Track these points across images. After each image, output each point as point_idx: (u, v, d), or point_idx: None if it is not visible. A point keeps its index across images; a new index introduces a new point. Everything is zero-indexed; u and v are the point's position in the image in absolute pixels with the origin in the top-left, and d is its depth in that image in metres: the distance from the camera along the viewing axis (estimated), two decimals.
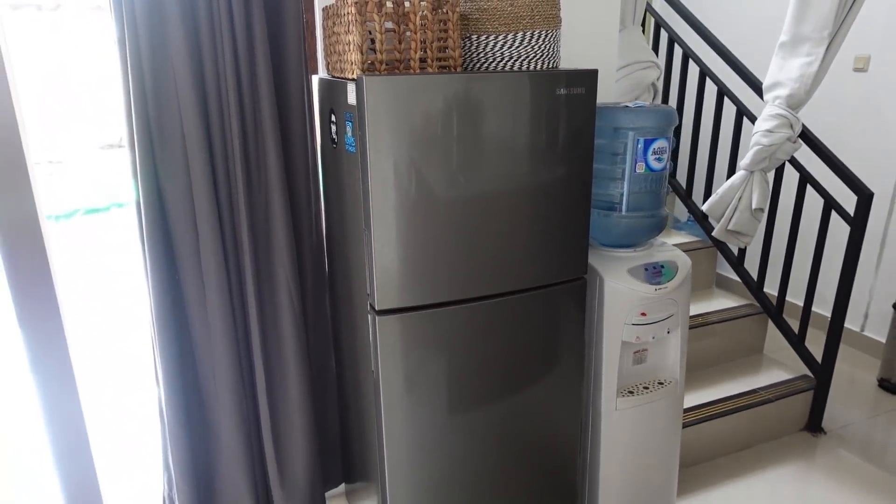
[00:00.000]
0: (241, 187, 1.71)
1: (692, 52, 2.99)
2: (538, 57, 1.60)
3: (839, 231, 2.51)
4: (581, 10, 1.96)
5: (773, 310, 2.82)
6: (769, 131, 2.37)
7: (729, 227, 2.51)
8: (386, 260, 1.49)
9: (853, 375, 3.11)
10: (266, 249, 1.80)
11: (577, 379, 1.81)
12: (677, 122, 1.97)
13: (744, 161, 2.45)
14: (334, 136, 1.69)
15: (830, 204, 2.51)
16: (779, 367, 2.81)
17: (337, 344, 2.04)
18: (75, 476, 1.91)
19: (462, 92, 1.45)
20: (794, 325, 2.72)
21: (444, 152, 1.47)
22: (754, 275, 2.89)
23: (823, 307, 2.79)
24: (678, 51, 3.05)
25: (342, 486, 2.26)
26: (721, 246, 2.99)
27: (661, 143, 1.76)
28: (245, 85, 1.66)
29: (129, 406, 2.82)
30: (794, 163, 2.57)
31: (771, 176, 2.54)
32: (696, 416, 2.43)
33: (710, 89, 2.89)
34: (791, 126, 2.35)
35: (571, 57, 1.94)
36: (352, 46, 1.48)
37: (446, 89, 1.43)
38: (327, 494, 2.16)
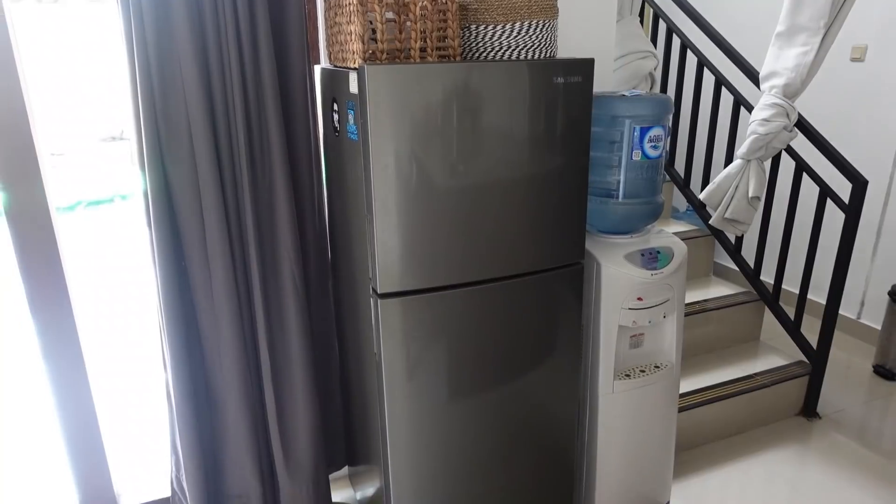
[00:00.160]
0: (246, 176, 1.75)
1: (690, 42, 3.01)
2: (536, 46, 1.63)
3: (835, 219, 2.54)
4: (578, 0, 1.99)
5: (770, 297, 2.85)
6: (766, 120, 2.39)
7: (726, 216, 2.53)
8: (387, 244, 1.52)
9: (849, 362, 3.15)
10: (270, 235, 1.83)
11: (574, 362, 1.85)
12: (673, 111, 1.99)
13: (740, 150, 2.47)
14: (336, 125, 1.72)
15: (826, 192, 2.54)
16: (775, 354, 2.85)
17: (340, 328, 2.08)
18: (85, 457, 1.96)
19: (461, 80, 1.48)
20: (791, 313, 2.76)
21: (444, 140, 1.50)
22: (751, 263, 2.92)
23: (820, 295, 2.83)
24: (676, 41, 3.08)
25: (345, 469, 2.31)
26: (719, 234, 3.02)
27: (657, 131, 1.80)
28: (249, 75, 1.70)
29: (138, 389, 2.88)
30: (791, 151, 2.60)
31: (767, 165, 2.57)
32: (693, 401, 2.47)
33: (708, 79, 2.92)
34: (787, 115, 2.38)
35: (569, 46, 1.97)
36: (353, 36, 1.51)
37: (446, 78, 1.46)
38: (331, 477, 2.19)
